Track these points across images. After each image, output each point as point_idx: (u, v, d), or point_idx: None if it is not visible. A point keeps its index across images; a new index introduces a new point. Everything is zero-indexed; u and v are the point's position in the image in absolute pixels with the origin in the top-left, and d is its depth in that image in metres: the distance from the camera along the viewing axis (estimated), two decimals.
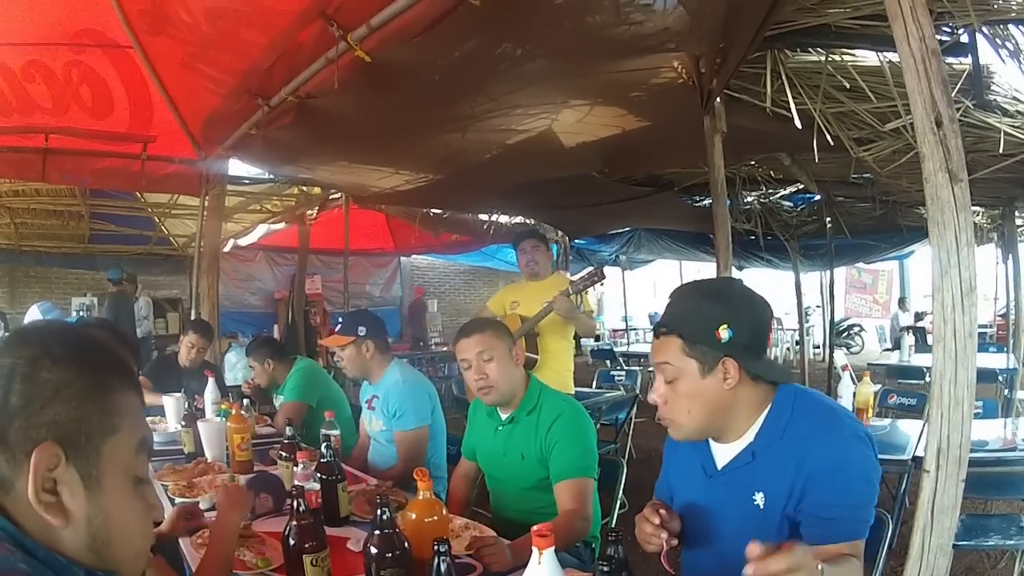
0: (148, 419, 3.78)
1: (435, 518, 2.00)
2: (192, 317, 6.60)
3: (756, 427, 1.89)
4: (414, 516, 2.01)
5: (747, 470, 1.90)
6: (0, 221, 10.70)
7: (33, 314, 6.79)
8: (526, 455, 2.88)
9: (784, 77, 3.98)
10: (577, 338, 5.41)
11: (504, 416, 3.01)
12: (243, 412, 3.78)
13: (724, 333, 1.82)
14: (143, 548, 1.16)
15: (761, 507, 1.87)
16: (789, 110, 4.02)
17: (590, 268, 5.13)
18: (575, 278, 4.95)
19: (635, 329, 18.38)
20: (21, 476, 1.01)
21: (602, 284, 4.95)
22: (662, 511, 1.93)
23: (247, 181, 8.37)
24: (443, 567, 1.51)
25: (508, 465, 2.96)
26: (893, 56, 3.72)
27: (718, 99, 3.75)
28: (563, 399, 3.02)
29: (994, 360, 7.79)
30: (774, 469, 1.84)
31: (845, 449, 1.73)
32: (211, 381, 4.63)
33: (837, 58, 3.96)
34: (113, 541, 1.09)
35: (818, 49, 3.96)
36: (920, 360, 8.80)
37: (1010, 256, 8.74)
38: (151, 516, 1.18)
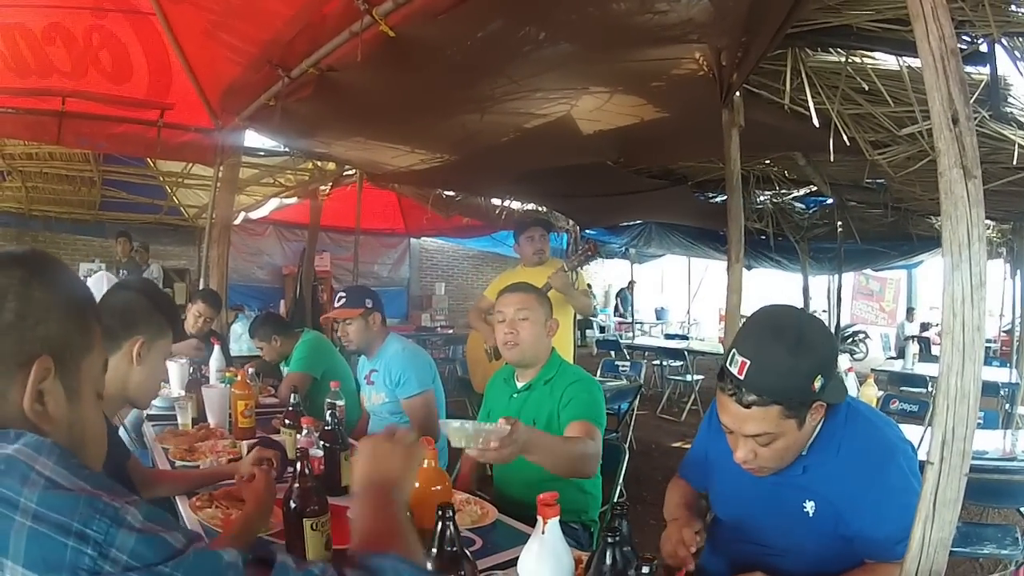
0: None
1: (439, 488, 2.00)
2: (201, 287, 6.62)
3: (809, 440, 1.91)
4: (418, 485, 1.98)
5: (798, 479, 1.94)
6: (11, 185, 10.74)
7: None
8: (539, 420, 2.93)
9: (803, 75, 3.98)
10: (582, 329, 5.47)
11: (521, 384, 3.10)
12: (248, 380, 3.81)
13: (818, 383, 1.78)
14: (103, 452, 1.30)
15: (811, 515, 1.92)
16: (807, 108, 4.02)
17: (584, 244, 5.16)
18: (571, 256, 4.98)
19: (640, 323, 18.37)
20: (12, 387, 1.10)
21: (595, 258, 4.96)
22: (698, 537, 1.93)
23: (262, 153, 8.38)
24: (448, 533, 1.51)
25: None
26: (912, 61, 3.73)
27: (737, 93, 3.75)
28: (581, 371, 3.12)
29: (997, 374, 7.78)
30: (829, 485, 1.88)
31: (899, 484, 1.75)
32: (216, 349, 4.65)
33: (857, 60, 3.96)
34: (86, 444, 1.21)
35: (838, 50, 3.96)
36: (923, 369, 8.78)
37: (1018, 272, 8.70)
38: (105, 426, 1.31)
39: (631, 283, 19.20)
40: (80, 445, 1.19)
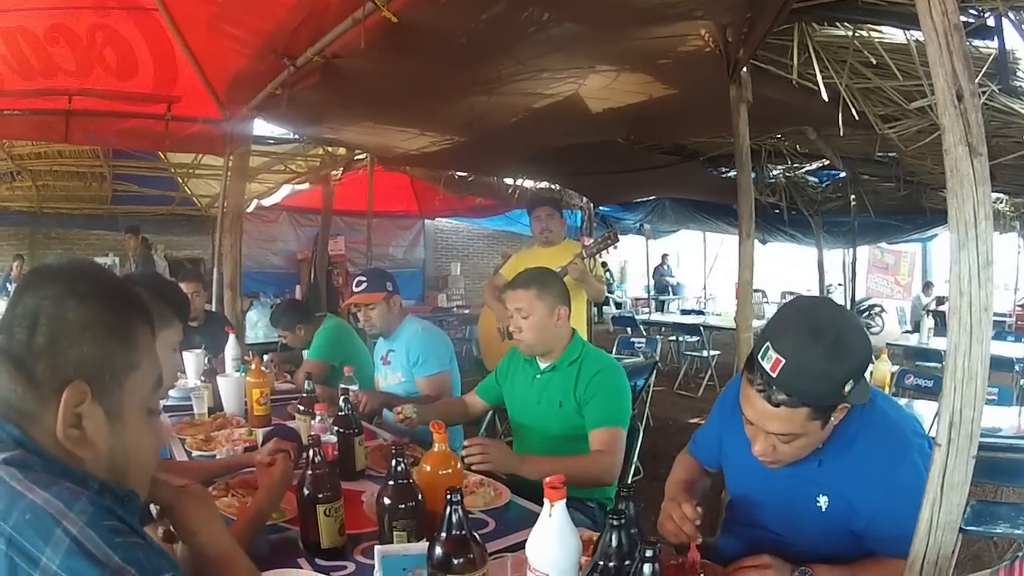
0: None
1: (450, 471, 2.00)
2: (215, 276, 6.63)
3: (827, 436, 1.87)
4: (429, 468, 2.01)
5: (813, 473, 1.92)
6: (21, 184, 10.86)
7: None
8: (564, 403, 2.96)
9: (811, 50, 3.95)
10: (598, 306, 5.45)
11: (543, 365, 3.12)
12: (263, 368, 3.82)
13: (848, 387, 1.73)
14: (152, 472, 1.24)
15: (823, 509, 1.91)
16: (815, 83, 4.00)
17: (605, 232, 5.13)
18: (589, 242, 4.95)
19: (656, 297, 18.32)
20: (48, 412, 1.06)
21: (615, 247, 4.94)
22: (700, 510, 1.89)
23: (272, 141, 8.38)
24: (455, 517, 1.51)
25: (541, 413, 3.04)
26: (920, 35, 3.69)
27: (744, 69, 3.73)
28: (606, 357, 3.12)
29: (1012, 349, 7.71)
30: (842, 480, 1.87)
31: (912, 482, 1.67)
32: (232, 337, 4.66)
33: (864, 33, 3.92)
34: (130, 469, 1.15)
35: (845, 24, 3.93)
36: (939, 343, 8.71)
37: None
38: (159, 444, 1.28)
39: (664, 256, 19.35)
40: (123, 471, 1.14)
